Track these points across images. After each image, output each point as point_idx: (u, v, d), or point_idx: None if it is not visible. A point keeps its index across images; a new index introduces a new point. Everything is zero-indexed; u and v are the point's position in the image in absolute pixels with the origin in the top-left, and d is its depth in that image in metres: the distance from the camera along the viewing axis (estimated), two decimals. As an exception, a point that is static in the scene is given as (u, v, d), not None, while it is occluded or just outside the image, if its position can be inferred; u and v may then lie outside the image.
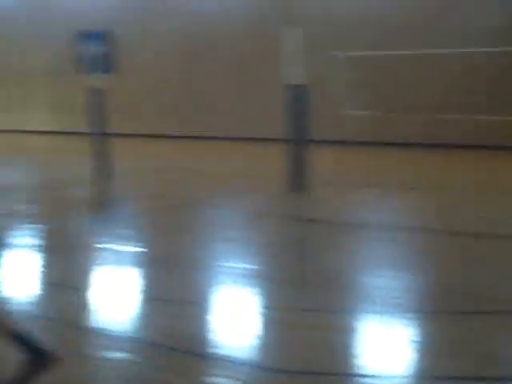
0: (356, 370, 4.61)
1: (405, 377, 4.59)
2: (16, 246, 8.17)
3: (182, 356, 4.80)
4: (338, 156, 16.69)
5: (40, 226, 9.64)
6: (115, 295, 6.35)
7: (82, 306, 6.03)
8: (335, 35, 17.76)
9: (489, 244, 8.02)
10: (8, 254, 7.90)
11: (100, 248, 8.32)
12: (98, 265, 7.67)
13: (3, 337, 4.13)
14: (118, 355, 4.92)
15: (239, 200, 11.10)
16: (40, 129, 24.30)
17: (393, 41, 17.40)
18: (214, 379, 4.49)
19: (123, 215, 10.55)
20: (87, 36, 14.26)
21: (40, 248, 8.53)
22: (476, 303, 5.86)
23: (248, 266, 7.15)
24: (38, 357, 4.14)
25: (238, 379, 4.44)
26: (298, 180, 11.57)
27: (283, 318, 5.56)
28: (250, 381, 4.46)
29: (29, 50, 24.28)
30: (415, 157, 15.67)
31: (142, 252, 8.13)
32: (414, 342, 5.12)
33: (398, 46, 16.88)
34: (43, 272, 7.38)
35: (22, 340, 4.12)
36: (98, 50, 14.04)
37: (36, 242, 8.77)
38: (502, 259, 7.34)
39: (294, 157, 11.63)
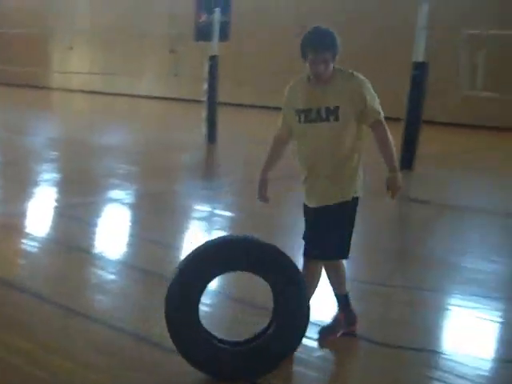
0: (441, 348, 4.51)
1: (493, 359, 4.42)
2: (116, 203, 8.39)
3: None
4: (451, 137, 16.32)
5: (140, 187, 9.79)
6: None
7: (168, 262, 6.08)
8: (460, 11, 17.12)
9: None
10: (108, 211, 8.23)
11: (198, 211, 8.40)
12: (192, 227, 7.75)
13: None
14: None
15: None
16: (154, 94, 24.84)
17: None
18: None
19: (223, 181, 10.61)
20: (207, 3, 14.37)
21: (137, 207, 8.68)
22: None
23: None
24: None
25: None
26: (407, 159, 11.35)
27: (379, 292, 5.44)
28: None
29: (147, 14, 24.77)
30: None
31: (238, 217, 8.12)
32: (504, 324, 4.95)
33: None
34: (138, 228, 7.48)
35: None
36: (217, 18, 14.10)
37: (133, 201, 8.89)
38: None
39: (407, 136, 11.40)
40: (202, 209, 8.56)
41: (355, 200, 4.25)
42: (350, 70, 4.17)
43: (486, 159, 13.36)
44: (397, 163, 4.24)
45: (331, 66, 4.07)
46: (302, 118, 4.16)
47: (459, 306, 5.34)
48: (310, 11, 21.35)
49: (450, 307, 5.35)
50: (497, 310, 5.28)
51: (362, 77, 4.14)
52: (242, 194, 9.50)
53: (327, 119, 4.08)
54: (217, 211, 8.44)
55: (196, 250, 3.90)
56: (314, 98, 4.13)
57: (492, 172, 11.80)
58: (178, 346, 3.84)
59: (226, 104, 17.11)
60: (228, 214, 8.28)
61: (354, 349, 4.55)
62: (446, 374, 4.08)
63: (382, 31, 19.75)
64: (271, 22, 22.17)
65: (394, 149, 4.21)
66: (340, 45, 4.06)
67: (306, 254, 4.33)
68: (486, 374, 4.16)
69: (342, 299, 4.51)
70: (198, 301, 3.82)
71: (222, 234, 7.35)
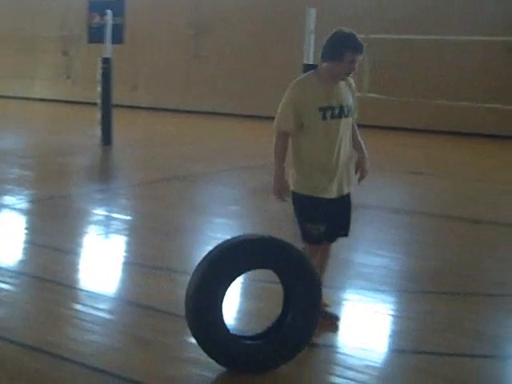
0: (340, 343, 4.65)
1: (392, 351, 4.62)
2: (7, 209, 8.23)
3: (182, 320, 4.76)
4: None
5: (33, 192, 9.59)
6: (101, 259, 6.36)
7: (68, 267, 6.04)
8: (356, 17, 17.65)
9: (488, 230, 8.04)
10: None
11: (92, 214, 8.34)
12: (89, 230, 7.69)
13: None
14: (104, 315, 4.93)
15: (237, 175, 11.15)
16: (48, 97, 24.30)
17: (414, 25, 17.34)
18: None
19: (119, 184, 10.57)
20: (100, 5, 14.24)
21: (30, 212, 8.53)
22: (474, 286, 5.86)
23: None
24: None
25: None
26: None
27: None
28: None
29: (39, 16, 24.20)
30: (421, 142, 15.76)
31: (135, 220, 8.13)
32: (402, 318, 5.14)
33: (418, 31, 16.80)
34: (33, 234, 7.35)
35: None
36: (109, 21, 13.98)
37: (26, 206, 8.70)
38: (500, 245, 7.36)
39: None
40: (97, 212, 8.51)
41: None
42: None
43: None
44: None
45: None
46: (328, 115, 4.46)
47: (349, 300, 5.56)
48: (206, 13, 21.57)
49: (342, 302, 5.50)
50: (384, 302, 5.53)
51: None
52: (137, 196, 9.51)
53: (347, 115, 4.55)
54: (113, 214, 8.40)
55: (216, 249, 4.05)
56: (333, 95, 4.49)
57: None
58: (203, 345, 3.99)
59: (121, 106, 17.02)
60: (124, 217, 8.25)
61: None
62: (336, 367, 4.26)
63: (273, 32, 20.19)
64: (167, 23, 22.15)
65: None
66: None
67: (331, 240, 4.82)
68: (374, 364, 4.33)
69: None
70: (222, 300, 3.95)
71: (118, 237, 7.37)
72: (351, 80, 4.65)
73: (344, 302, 5.52)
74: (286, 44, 18.92)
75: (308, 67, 11.55)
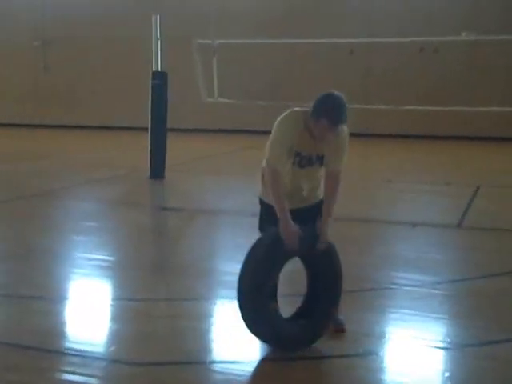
0: (215, 357, 4.52)
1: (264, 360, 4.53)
2: None
3: (34, 353, 4.49)
4: (197, 144, 16.88)
5: None
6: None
7: None
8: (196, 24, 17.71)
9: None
10: None
11: None
12: None
13: None
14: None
15: (99, 189, 10.85)
16: None
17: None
18: (67, 376, 4.22)
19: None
20: None
21: None
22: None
23: (105, 257, 6.92)
24: None
25: (93, 375, 4.20)
26: (157, 168, 11.55)
27: (142, 309, 5.38)
28: (106, 376, 4.25)
29: None
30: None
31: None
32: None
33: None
34: None
35: None
36: None
37: None
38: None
39: (154, 145, 11.60)
40: None
41: None
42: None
43: (227, 163, 13.97)
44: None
45: None
46: (299, 161, 4.41)
47: (215, 311, 5.44)
48: (53, 23, 21.02)
49: (211, 314, 5.38)
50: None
51: (346, 131, 4.46)
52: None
53: (315, 164, 4.45)
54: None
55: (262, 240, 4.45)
56: (310, 145, 4.38)
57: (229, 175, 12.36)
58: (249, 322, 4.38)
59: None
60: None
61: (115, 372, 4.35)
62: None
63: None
64: (11, 34, 21.50)
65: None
66: None
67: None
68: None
69: None
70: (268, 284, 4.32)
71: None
72: (343, 135, 4.43)
73: (212, 314, 5.41)
74: (135, 52, 18.71)
75: (157, 75, 11.47)
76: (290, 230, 4.29)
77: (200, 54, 13.46)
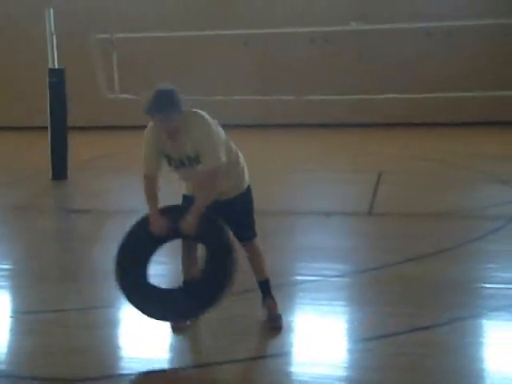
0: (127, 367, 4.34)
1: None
2: None
3: None
4: (99, 141, 16.50)
5: None
6: None
7: None
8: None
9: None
10: None
11: None
12: None
13: None
14: None
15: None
16: None
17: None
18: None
19: None
20: None
21: None
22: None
23: (10, 267, 6.59)
24: None
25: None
26: (59, 168, 11.15)
27: (52, 320, 5.09)
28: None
29: None
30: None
31: None
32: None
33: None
34: None
35: None
36: None
37: None
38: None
39: (54, 145, 11.19)
40: None
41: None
42: (193, 111, 4.41)
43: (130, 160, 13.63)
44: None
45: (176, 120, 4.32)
46: (172, 164, 4.49)
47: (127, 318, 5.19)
48: None
49: (127, 321, 5.16)
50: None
51: (205, 120, 4.38)
52: None
53: (191, 165, 4.42)
54: None
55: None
56: (173, 147, 4.41)
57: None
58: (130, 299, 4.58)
59: None
60: None
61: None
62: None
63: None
64: None
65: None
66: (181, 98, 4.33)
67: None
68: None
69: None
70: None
71: None
72: (195, 132, 4.35)
73: (130, 321, 5.18)
74: (29, 47, 18.08)
75: (54, 72, 11.04)
76: (156, 221, 4.47)
77: (100, 49, 13.05)
